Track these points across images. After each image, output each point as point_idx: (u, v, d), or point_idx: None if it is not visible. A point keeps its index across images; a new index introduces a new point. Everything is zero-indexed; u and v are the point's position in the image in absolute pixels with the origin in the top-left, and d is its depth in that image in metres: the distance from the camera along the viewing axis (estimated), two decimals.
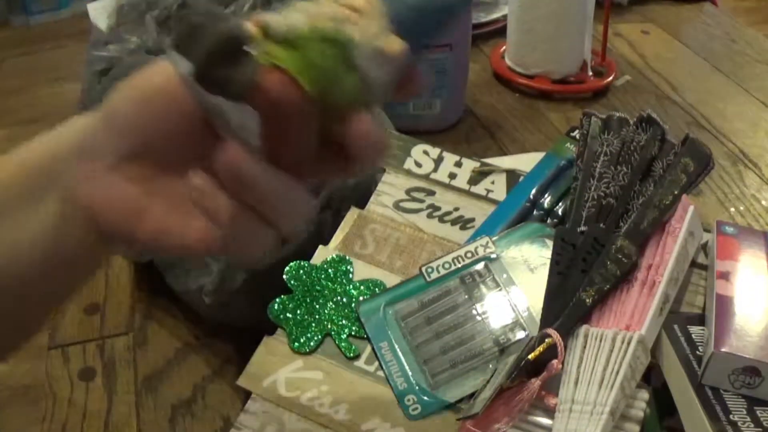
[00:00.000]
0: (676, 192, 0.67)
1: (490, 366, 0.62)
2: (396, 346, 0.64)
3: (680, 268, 0.65)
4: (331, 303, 0.66)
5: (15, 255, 0.39)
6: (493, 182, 0.80)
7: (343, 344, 0.64)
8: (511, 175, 0.81)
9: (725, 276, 0.65)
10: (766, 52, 1.23)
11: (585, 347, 0.58)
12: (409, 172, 0.77)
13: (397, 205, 0.74)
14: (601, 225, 0.66)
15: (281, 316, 0.64)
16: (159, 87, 0.37)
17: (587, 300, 0.61)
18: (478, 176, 0.79)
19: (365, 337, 0.65)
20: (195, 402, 0.67)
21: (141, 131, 0.37)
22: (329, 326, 0.65)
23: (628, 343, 0.57)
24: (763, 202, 0.88)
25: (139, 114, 0.37)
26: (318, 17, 0.35)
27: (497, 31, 1.21)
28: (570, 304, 0.61)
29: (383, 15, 0.36)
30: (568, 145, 0.87)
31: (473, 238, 0.72)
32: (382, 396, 0.62)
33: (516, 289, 0.67)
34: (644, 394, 0.57)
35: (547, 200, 0.79)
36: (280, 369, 0.63)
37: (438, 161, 0.79)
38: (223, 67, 0.33)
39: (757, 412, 0.55)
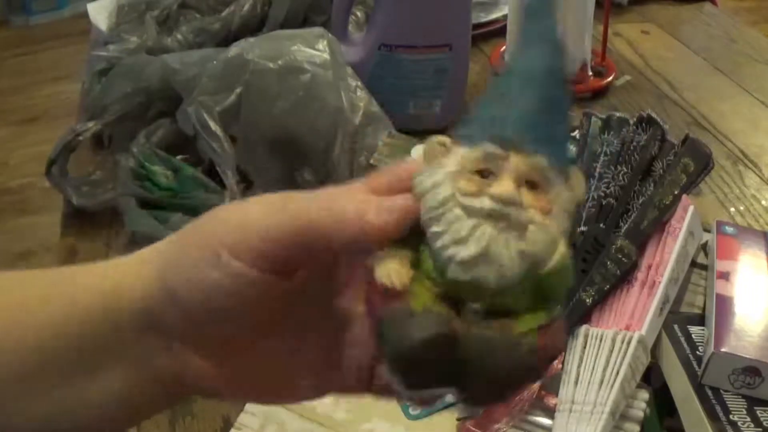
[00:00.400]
0: (676, 192, 0.67)
1: None
2: None
3: (680, 268, 0.65)
4: None
5: (78, 420, 0.35)
6: None
7: None
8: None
9: (725, 276, 0.65)
10: (766, 52, 1.23)
11: (585, 347, 0.58)
12: None
13: None
14: (601, 225, 0.66)
15: None
16: (222, 286, 0.32)
17: (587, 300, 0.61)
18: None
19: None
20: (195, 402, 0.67)
21: (206, 323, 0.33)
22: None
23: (628, 343, 0.57)
24: (763, 202, 0.87)
25: (202, 309, 0.32)
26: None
27: (497, 31, 1.20)
28: (570, 304, 0.61)
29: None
30: None
31: None
32: None
33: None
34: (644, 394, 0.57)
35: None
36: None
37: None
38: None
39: (757, 412, 0.55)
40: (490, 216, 0.30)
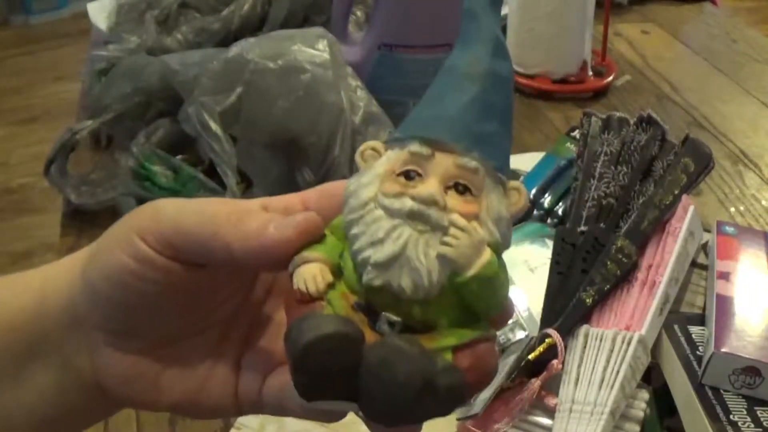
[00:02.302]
0: (676, 192, 0.67)
1: None
2: None
3: (680, 268, 0.65)
4: None
5: (9, 424, 0.35)
6: None
7: None
8: (511, 175, 0.81)
9: (725, 276, 0.65)
10: (766, 52, 1.23)
11: (585, 347, 0.58)
12: None
13: None
14: (602, 225, 0.66)
15: None
16: (131, 269, 0.32)
17: (587, 300, 0.61)
18: None
19: None
20: None
21: (123, 313, 0.33)
22: None
23: (629, 343, 0.56)
24: (763, 202, 0.88)
25: (115, 296, 0.32)
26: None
27: None
28: (570, 304, 0.61)
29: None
30: (568, 145, 0.86)
31: None
32: None
33: (516, 289, 0.67)
34: (644, 394, 0.57)
35: (547, 200, 0.79)
36: None
37: None
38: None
39: (757, 412, 0.55)
40: (411, 217, 0.28)
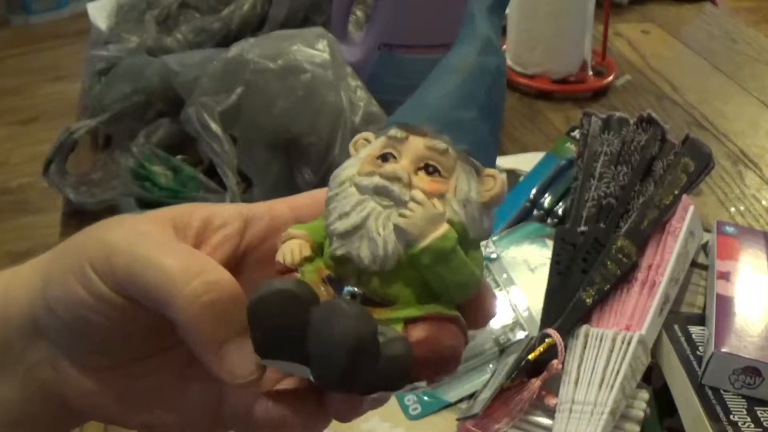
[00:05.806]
0: (676, 192, 0.67)
1: (490, 366, 0.62)
2: None
3: (680, 268, 0.65)
4: None
5: None
6: None
7: None
8: (511, 175, 0.81)
9: (725, 276, 0.65)
10: (766, 52, 1.23)
11: (585, 347, 0.58)
12: None
13: None
14: (602, 225, 0.66)
15: None
16: (88, 304, 0.31)
17: (587, 300, 0.61)
18: None
19: None
20: None
21: (83, 338, 0.32)
22: None
23: (629, 343, 0.56)
24: (763, 202, 0.88)
25: (74, 324, 0.31)
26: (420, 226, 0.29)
27: None
28: (570, 304, 0.61)
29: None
30: (568, 145, 0.87)
31: None
32: None
33: (516, 289, 0.67)
34: (644, 394, 0.57)
35: (547, 200, 0.79)
36: None
37: None
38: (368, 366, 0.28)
39: (757, 412, 0.55)
40: (376, 193, 0.30)
